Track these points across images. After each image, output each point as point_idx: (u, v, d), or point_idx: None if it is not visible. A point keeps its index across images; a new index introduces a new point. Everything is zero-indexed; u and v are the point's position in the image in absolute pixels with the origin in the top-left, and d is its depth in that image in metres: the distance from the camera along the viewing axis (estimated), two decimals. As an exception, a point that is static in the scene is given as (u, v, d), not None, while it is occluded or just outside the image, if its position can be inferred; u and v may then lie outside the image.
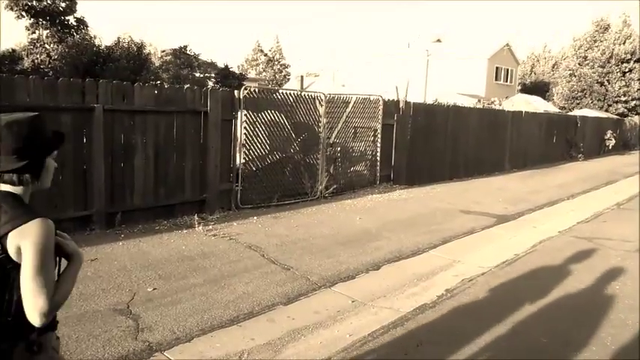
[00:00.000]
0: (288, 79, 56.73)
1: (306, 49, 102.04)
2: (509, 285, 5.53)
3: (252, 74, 62.51)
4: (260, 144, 8.57)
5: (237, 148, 8.21)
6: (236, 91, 8.15)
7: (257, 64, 67.24)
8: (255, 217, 7.84)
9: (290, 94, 9.29)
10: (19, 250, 1.63)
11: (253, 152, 8.47)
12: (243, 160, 8.31)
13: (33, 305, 1.59)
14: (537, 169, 17.18)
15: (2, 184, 1.76)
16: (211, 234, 6.79)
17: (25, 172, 1.75)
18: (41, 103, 5.79)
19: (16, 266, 1.64)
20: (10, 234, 1.63)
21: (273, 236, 6.86)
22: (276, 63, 67.79)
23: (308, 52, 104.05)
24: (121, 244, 6.14)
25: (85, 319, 4.13)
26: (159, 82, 16.31)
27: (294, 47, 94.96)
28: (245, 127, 8.24)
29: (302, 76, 47.40)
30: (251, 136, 8.38)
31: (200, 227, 7.00)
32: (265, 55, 67.40)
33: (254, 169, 8.52)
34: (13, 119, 1.74)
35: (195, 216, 7.15)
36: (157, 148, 7.09)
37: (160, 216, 7.13)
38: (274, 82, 60.66)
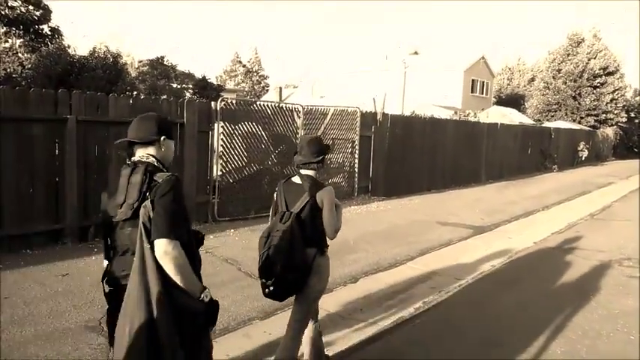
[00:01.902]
0: (267, 91, 56.74)
1: (285, 60, 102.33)
2: (485, 296, 5.55)
3: (230, 85, 62.34)
4: (237, 156, 8.50)
5: (215, 160, 8.14)
6: (213, 103, 8.09)
7: (235, 75, 67.07)
8: (232, 230, 7.75)
9: (267, 105, 9.25)
10: (321, 202, 3.18)
11: (230, 164, 8.40)
12: (220, 172, 8.24)
13: (331, 228, 3.21)
14: (513, 180, 17.43)
15: (307, 171, 3.31)
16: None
17: (319, 163, 3.31)
18: (12, 114, 5.66)
19: (319, 209, 3.19)
20: (317, 194, 3.18)
21: (250, 249, 6.77)
22: (255, 74, 67.72)
23: (287, 64, 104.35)
24: (93, 258, 6.00)
25: (55, 337, 4.01)
26: (135, 92, 16.14)
27: (273, 58, 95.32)
28: (222, 139, 8.18)
29: (280, 88, 47.14)
30: (228, 148, 8.31)
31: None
32: (244, 66, 67.31)
33: (231, 181, 8.45)
34: (312, 137, 3.41)
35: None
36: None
37: (134, 229, 7.00)
38: (253, 93, 60.56)
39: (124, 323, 2.06)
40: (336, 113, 10.55)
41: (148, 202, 2.12)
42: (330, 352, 3.97)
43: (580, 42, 37.30)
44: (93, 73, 15.73)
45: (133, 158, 2.35)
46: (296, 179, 3.33)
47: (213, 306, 2.27)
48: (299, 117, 9.56)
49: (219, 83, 21.33)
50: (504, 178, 17.52)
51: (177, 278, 2.09)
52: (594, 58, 35.67)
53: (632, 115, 39.39)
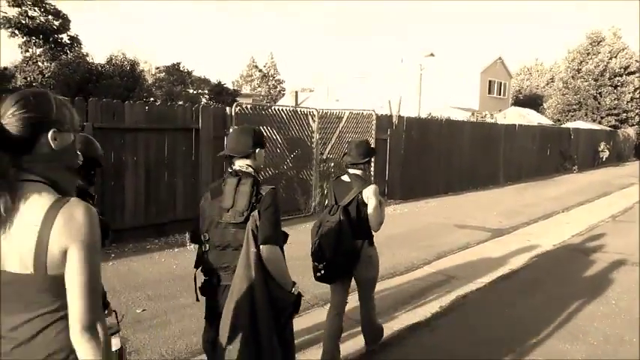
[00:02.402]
0: (283, 95, 56.89)
1: (301, 64, 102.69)
2: (503, 300, 5.46)
3: (247, 90, 62.71)
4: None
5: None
6: (228, 108, 8.13)
7: (252, 80, 67.49)
8: (247, 235, 7.76)
9: (282, 110, 9.27)
10: (367, 198, 3.62)
11: (246, 169, 8.41)
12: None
13: (375, 221, 3.61)
14: (532, 181, 17.21)
15: (355, 170, 3.76)
16: (203, 252, 6.71)
17: (365, 164, 3.80)
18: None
19: (365, 204, 3.63)
20: (363, 190, 3.64)
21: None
22: (271, 79, 68.06)
23: (303, 68, 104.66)
24: (110, 264, 6.05)
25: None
26: (152, 99, 16.31)
27: (289, 62, 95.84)
28: (237, 144, 8.19)
29: (296, 92, 47.38)
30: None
31: (192, 246, 6.91)
32: (260, 70, 67.70)
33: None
34: (360, 141, 3.93)
35: (187, 235, 7.05)
36: (147, 166, 7.04)
37: (151, 235, 7.06)
38: (269, 97, 60.84)
39: (229, 306, 2.46)
40: (351, 117, 10.52)
41: (255, 213, 2.51)
42: (344, 356, 3.94)
43: (600, 41, 36.75)
44: (110, 80, 15.94)
45: (233, 167, 2.68)
46: (345, 177, 3.83)
47: (299, 298, 2.66)
48: (314, 121, 9.55)
49: (235, 88, 21.41)
50: (523, 179, 17.30)
51: (275, 275, 2.50)
52: (615, 57, 35.12)
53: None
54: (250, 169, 2.65)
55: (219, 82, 19.08)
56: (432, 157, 12.87)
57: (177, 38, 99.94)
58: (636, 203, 13.16)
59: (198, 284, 2.73)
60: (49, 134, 1.46)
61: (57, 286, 1.41)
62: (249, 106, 8.73)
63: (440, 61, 40.93)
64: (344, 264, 3.64)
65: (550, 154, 20.34)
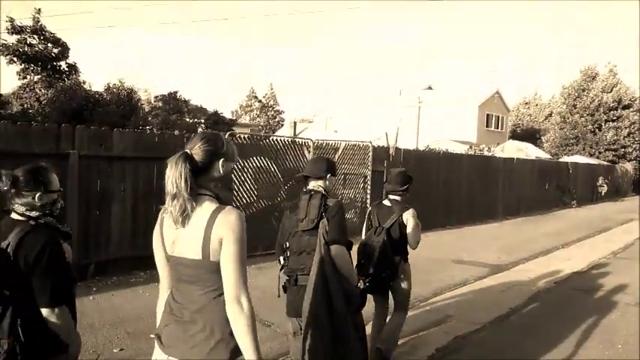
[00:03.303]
0: (282, 125, 57.12)
1: (301, 95, 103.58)
2: (504, 344, 5.17)
3: (246, 120, 62.96)
4: (245, 191, 8.32)
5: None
6: (221, 138, 7.96)
7: (251, 110, 67.84)
8: (238, 268, 7.49)
9: (277, 140, 9.12)
10: (407, 220, 4.11)
11: (239, 200, 8.21)
12: (227, 208, 8.04)
13: (414, 240, 4.18)
14: (531, 216, 16.99)
15: (395, 196, 4.27)
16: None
17: (404, 191, 4.24)
18: (12, 148, 5.55)
19: (404, 226, 4.13)
20: (403, 214, 4.13)
21: (255, 289, 6.45)
22: (270, 109, 68.44)
23: (303, 99, 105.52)
24: (91, 298, 5.78)
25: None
26: (148, 127, 16.21)
27: (288, 93, 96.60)
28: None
29: (295, 122, 47.46)
30: (236, 183, 8.14)
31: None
32: (259, 101, 68.14)
33: (238, 217, 8.24)
34: (400, 171, 4.40)
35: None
36: (135, 196, 6.83)
37: (137, 267, 6.79)
38: (268, 127, 61.03)
39: (308, 300, 2.95)
40: (347, 148, 10.37)
41: (324, 220, 3.04)
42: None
43: (594, 76, 37.11)
44: (107, 108, 15.85)
45: (308, 187, 3.30)
46: (386, 202, 4.38)
47: (364, 292, 3.36)
48: (309, 152, 9.39)
49: (231, 117, 21.33)
50: (522, 213, 17.08)
51: (343, 271, 3.03)
52: (609, 92, 35.41)
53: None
54: (321, 189, 3.26)
55: (216, 111, 18.99)
56: (430, 189, 12.68)
57: (177, 68, 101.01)
58: (636, 239, 12.93)
59: (282, 283, 3.32)
60: (220, 162, 2.03)
61: (218, 269, 1.91)
62: (243, 136, 8.58)
63: (438, 94, 41.25)
64: (385, 278, 4.09)
65: (549, 188, 20.19)
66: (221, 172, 2.04)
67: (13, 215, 2.26)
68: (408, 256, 4.32)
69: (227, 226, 1.89)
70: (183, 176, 1.90)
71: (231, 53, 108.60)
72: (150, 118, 15.87)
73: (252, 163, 8.41)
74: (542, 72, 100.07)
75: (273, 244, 8.26)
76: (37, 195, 2.26)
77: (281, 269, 3.34)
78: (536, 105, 50.90)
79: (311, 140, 9.62)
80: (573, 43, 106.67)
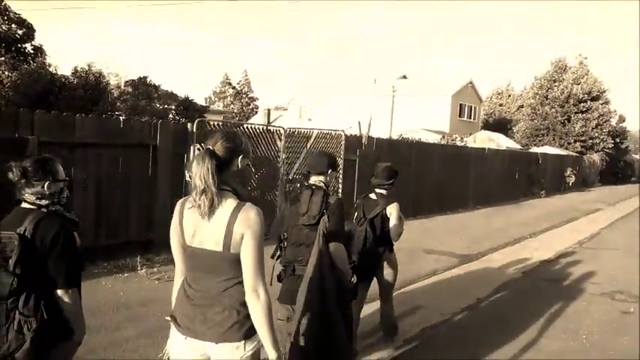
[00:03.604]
0: (256, 112, 56.56)
1: (276, 83, 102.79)
2: (471, 334, 5.18)
3: (219, 107, 62.08)
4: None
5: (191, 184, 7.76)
6: (189, 124, 7.76)
7: (225, 97, 67.02)
8: (206, 258, 7.35)
9: (248, 127, 8.95)
10: (390, 213, 4.36)
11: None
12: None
13: (395, 232, 4.41)
14: (500, 205, 17.19)
15: (381, 190, 4.52)
16: (155, 277, 6.28)
17: (390, 185, 4.51)
18: (-35, 134, 5.28)
19: (388, 219, 4.38)
20: (387, 207, 4.36)
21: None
22: (244, 96, 67.71)
23: (278, 87, 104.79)
24: (51, 290, 5.56)
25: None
26: (117, 113, 15.78)
27: (263, 80, 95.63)
28: (198, 162, 7.81)
29: (269, 110, 46.98)
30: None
31: (143, 270, 6.47)
32: (233, 88, 67.32)
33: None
34: (386, 165, 4.69)
35: (138, 258, 6.61)
36: (98, 184, 6.60)
37: (100, 258, 6.57)
38: (242, 115, 60.40)
39: (303, 289, 3.06)
40: (319, 136, 10.26)
41: (325, 217, 3.14)
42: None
43: (565, 68, 37.70)
44: (74, 92, 15.37)
45: (309, 182, 3.40)
46: (372, 195, 4.58)
47: (356, 286, 3.65)
48: (280, 140, 9.24)
49: (203, 104, 20.82)
50: (492, 203, 17.25)
51: (339, 266, 3.16)
52: (578, 84, 36.04)
53: (618, 141, 39.62)
54: (322, 184, 3.36)
55: (187, 97, 18.57)
56: (402, 179, 12.58)
57: (151, 54, 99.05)
58: (602, 229, 13.21)
59: (276, 272, 3.40)
60: (239, 159, 2.18)
61: (236, 261, 2.07)
62: (213, 123, 8.38)
63: (412, 83, 41.36)
64: (368, 267, 4.29)
65: (519, 178, 20.46)
66: (239, 167, 2.20)
67: (24, 204, 2.39)
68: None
69: (248, 222, 2.06)
70: (210, 172, 2.04)
71: (207, 40, 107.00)
72: (119, 104, 15.44)
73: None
74: (515, 63, 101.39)
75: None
76: (46, 184, 2.38)
77: (277, 259, 3.42)
78: (509, 96, 51.50)
79: (282, 128, 9.47)
80: (547, 37, 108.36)
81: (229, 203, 2.07)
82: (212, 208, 2.05)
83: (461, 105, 39.07)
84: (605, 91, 36.88)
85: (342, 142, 10.74)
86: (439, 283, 7.11)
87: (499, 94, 52.17)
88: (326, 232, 3.09)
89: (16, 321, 2.11)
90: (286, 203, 3.57)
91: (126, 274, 6.34)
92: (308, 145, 9.98)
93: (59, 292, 2.28)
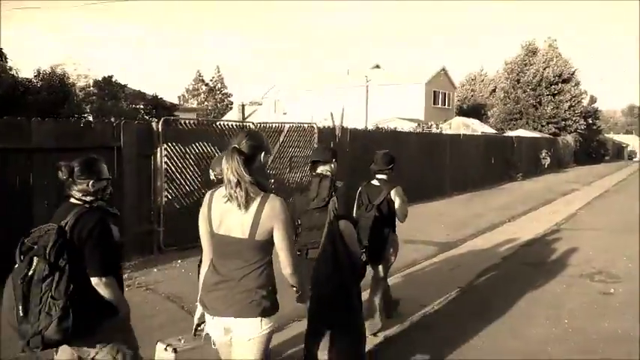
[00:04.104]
0: (231, 108, 55.96)
1: (250, 78, 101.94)
2: (451, 324, 5.05)
3: (194, 104, 61.21)
4: (185, 180, 7.87)
5: (160, 186, 7.49)
6: (154, 124, 7.48)
7: (198, 94, 66.23)
8: (179, 261, 7.10)
9: (216, 124, 8.70)
10: (394, 196, 4.67)
11: (177, 189, 7.76)
12: (165, 199, 7.59)
13: (402, 214, 4.77)
14: (478, 191, 17.21)
15: (382, 175, 4.78)
16: (125, 284, 6.00)
17: (389, 170, 4.77)
18: None
19: (392, 202, 4.68)
20: (391, 191, 4.65)
21: (197, 283, 6.14)
22: (218, 92, 66.99)
23: (252, 82, 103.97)
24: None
25: None
26: (84, 115, 15.31)
27: (236, 76, 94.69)
28: (166, 163, 7.55)
29: (243, 105, 46.65)
30: (174, 172, 7.68)
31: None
32: (206, 84, 66.55)
33: (178, 207, 7.80)
34: (384, 152, 4.91)
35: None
36: (60, 190, 6.27)
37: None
38: (216, 111, 59.74)
39: (318, 267, 3.35)
40: (291, 130, 10.04)
41: (334, 198, 3.41)
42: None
43: (535, 51, 38.02)
44: (37, 95, 14.84)
45: (317, 171, 3.77)
46: (374, 182, 4.83)
47: (365, 263, 3.93)
48: (251, 135, 9.00)
49: (172, 102, 20.30)
50: (469, 189, 17.25)
51: (350, 243, 3.38)
52: (548, 67, 36.39)
53: (590, 121, 40.22)
54: (329, 173, 3.72)
55: (156, 96, 18.07)
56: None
57: (121, 54, 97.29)
58: (579, 210, 13.30)
59: None
60: (261, 155, 2.40)
61: (259, 247, 2.33)
62: (180, 121, 8.11)
63: (386, 72, 41.32)
64: (378, 248, 4.60)
65: (495, 162, 20.53)
66: (261, 162, 2.43)
67: (72, 200, 2.68)
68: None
69: (275, 212, 2.32)
70: (241, 166, 2.27)
71: (178, 38, 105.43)
72: (85, 105, 14.96)
73: (189, 150, 7.94)
74: (485, 48, 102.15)
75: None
76: (91, 182, 2.67)
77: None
78: (482, 81, 51.82)
79: (252, 123, 9.25)
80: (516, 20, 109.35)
81: (255, 194, 2.32)
82: (249, 197, 2.29)
83: (435, 92, 39.17)
84: (575, 72, 37.32)
85: (315, 135, 10.55)
86: (419, 273, 7.00)
87: (472, 79, 52.47)
88: (336, 211, 3.36)
89: (46, 303, 2.33)
90: (296, 193, 3.91)
91: (94, 283, 6.07)
92: (280, 140, 9.76)
93: (93, 279, 2.52)
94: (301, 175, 10.43)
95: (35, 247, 2.40)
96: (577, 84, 37.40)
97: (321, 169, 3.76)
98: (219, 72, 67.80)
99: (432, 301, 5.71)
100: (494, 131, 30.29)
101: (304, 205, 3.63)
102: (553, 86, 36.14)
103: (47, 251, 2.35)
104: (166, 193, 7.59)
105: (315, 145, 10.57)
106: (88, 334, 2.52)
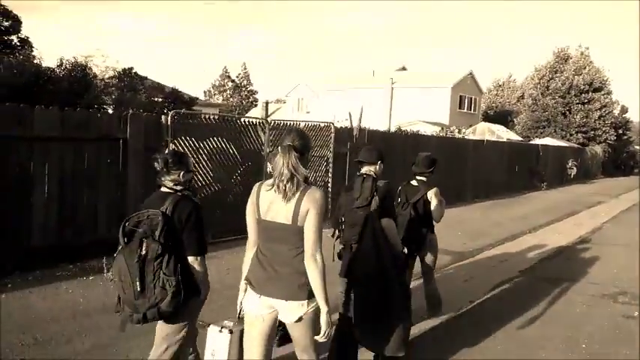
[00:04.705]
0: (256, 105, 56.05)
1: (276, 76, 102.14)
2: (460, 340, 4.72)
3: (219, 100, 61.45)
4: (194, 175, 7.68)
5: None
6: (163, 117, 7.27)
7: (224, 90, 66.60)
8: (181, 259, 6.89)
9: (228, 119, 8.48)
10: (431, 197, 4.95)
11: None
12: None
13: (437, 214, 4.97)
14: (500, 199, 16.70)
15: (422, 177, 5.07)
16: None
17: (430, 172, 5.11)
18: None
19: (429, 203, 4.95)
20: (428, 192, 4.95)
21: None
22: (244, 89, 67.23)
23: (278, 80, 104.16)
24: (3, 296, 5.12)
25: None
26: (104, 106, 15.30)
27: (263, 74, 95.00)
28: (175, 157, 7.35)
29: (266, 103, 46.47)
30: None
31: (110, 272, 5.99)
32: (232, 81, 66.86)
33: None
34: (426, 155, 5.33)
35: (104, 259, 6.14)
36: (62, 181, 6.13)
37: (65, 259, 6.12)
38: (241, 108, 59.97)
39: (363, 262, 3.54)
40: (306, 129, 9.77)
41: (376, 198, 3.62)
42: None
43: (566, 59, 37.04)
44: (58, 85, 14.88)
45: (361, 171, 3.90)
46: (413, 182, 5.07)
47: (407, 256, 4.25)
48: (264, 132, 8.76)
49: (192, 95, 20.13)
50: (491, 196, 16.76)
51: (391, 238, 3.60)
52: (579, 75, 35.40)
53: (620, 132, 39.00)
54: (372, 173, 3.86)
55: (174, 89, 17.98)
56: (396, 172, 12.15)
57: (151, 49, 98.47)
58: (604, 223, 12.74)
59: (336, 251, 3.96)
60: (308, 153, 2.71)
61: (302, 232, 2.58)
62: (189, 115, 7.93)
63: (411, 75, 40.78)
64: (412, 246, 4.70)
65: (519, 170, 19.95)
66: (308, 159, 2.74)
67: (163, 189, 2.97)
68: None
69: (313, 201, 2.54)
70: (296, 161, 2.54)
71: (207, 34, 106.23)
72: (104, 96, 14.94)
73: (199, 145, 7.75)
74: (516, 54, 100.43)
75: (225, 230, 7.64)
76: (182, 173, 2.95)
77: (336, 239, 3.97)
78: (510, 87, 50.79)
79: (266, 120, 9.00)
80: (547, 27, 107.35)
81: (293, 188, 2.55)
82: (297, 190, 2.54)
83: (461, 97, 38.48)
84: (607, 81, 36.23)
85: (332, 135, 10.26)
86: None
87: (500, 85, 51.49)
88: (378, 210, 3.62)
89: (160, 279, 2.62)
90: (342, 192, 4.08)
91: (91, 277, 5.89)
92: (295, 138, 9.49)
93: (190, 258, 2.83)
94: (316, 174, 10.17)
95: (138, 230, 2.67)
96: (608, 93, 36.30)
97: (365, 170, 3.92)
98: (245, 69, 68.08)
99: (443, 315, 5.37)
100: (520, 138, 29.54)
101: (349, 204, 3.84)
102: (583, 94, 35.14)
103: (158, 234, 2.62)
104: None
105: (332, 145, 10.30)
106: (180, 311, 2.74)
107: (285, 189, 2.52)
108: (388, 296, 3.45)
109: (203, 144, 7.81)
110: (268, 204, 2.61)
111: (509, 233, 10.55)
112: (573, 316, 5.55)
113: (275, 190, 2.56)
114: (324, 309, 2.57)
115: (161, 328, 2.91)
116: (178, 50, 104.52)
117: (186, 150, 7.50)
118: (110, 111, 13.27)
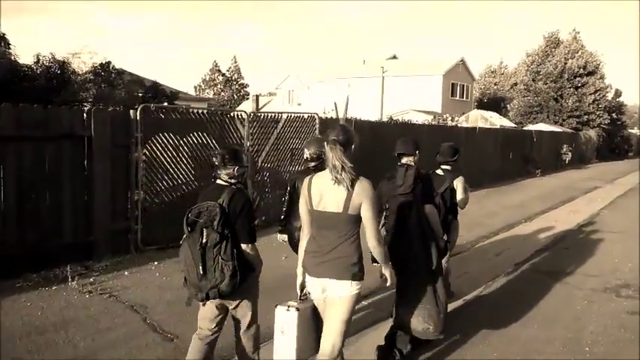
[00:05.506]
0: (247, 99, 55.52)
1: (265, 68, 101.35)
2: (459, 337, 4.33)
3: (210, 94, 60.74)
4: (167, 173, 7.24)
5: (138, 179, 6.85)
6: (132, 111, 6.81)
7: (215, 85, 65.88)
8: (155, 263, 6.46)
9: (203, 113, 8.01)
10: (456, 185, 5.18)
11: (158, 183, 7.12)
12: (144, 193, 6.94)
13: (463, 202, 5.31)
14: (494, 187, 16.31)
15: (446, 166, 5.38)
16: (87, 290, 5.37)
17: (454, 161, 5.42)
18: None
19: (454, 190, 5.16)
20: (454, 181, 5.18)
21: (168, 289, 5.49)
22: (234, 83, 66.52)
23: (269, 72, 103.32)
24: None
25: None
26: (83, 102, 14.75)
27: (254, 67, 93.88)
28: (146, 154, 6.90)
29: (257, 96, 46.17)
30: (154, 165, 7.05)
31: (75, 281, 5.56)
32: (223, 75, 66.12)
33: (159, 202, 7.16)
34: (450, 144, 5.59)
35: (68, 267, 5.69)
36: (20, 183, 5.68)
37: (27, 268, 5.66)
38: (233, 101, 59.37)
39: (411, 246, 3.84)
40: (289, 120, 9.32)
41: (420, 185, 3.94)
42: None
43: (557, 43, 36.63)
44: (35, 82, 14.33)
45: (402, 161, 4.15)
46: (439, 171, 5.25)
47: (447, 244, 4.64)
48: (243, 125, 8.31)
49: (173, 89, 19.47)
50: (485, 185, 16.33)
51: (434, 224, 3.97)
52: (572, 58, 35.01)
53: (614, 116, 38.67)
54: (412, 163, 4.07)
55: (155, 83, 17.42)
56: (386, 162, 11.75)
57: (138, 45, 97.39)
58: (602, 209, 12.39)
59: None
60: (352, 146, 2.91)
61: (351, 220, 2.85)
62: (160, 109, 7.48)
63: (402, 63, 40.30)
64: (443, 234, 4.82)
65: (513, 157, 19.56)
66: (351, 152, 2.89)
67: (219, 181, 3.17)
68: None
69: (365, 191, 2.81)
70: (343, 154, 2.79)
71: (196, 29, 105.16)
72: (82, 93, 14.41)
73: (173, 141, 7.31)
74: (507, 40, 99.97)
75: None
76: (236, 168, 3.16)
77: (381, 226, 3.81)
78: (502, 74, 50.33)
79: (245, 112, 8.55)
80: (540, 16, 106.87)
81: (348, 176, 2.78)
82: (352, 180, 2.78)
83: (453, 84, 38.08)
84: (600, 65, 35.87)
85: (316, 126, 9.82)
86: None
87: (492, 72, 51.03)
88: (420, 198, 3.87)
89: (219, 264, 2.94)
90: (384, 180, 4.16)
91: (54, 287, 5.43)
92: (277, 130, 9.06)
93: (244, 245, 3.06)
94: (300, 168, 9.72)
95: (199, 220, 2.95)
96: (602, 77, 35.94)
97: (405, 160, 4.11)
98: (235, 62, 67.32)
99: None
100: (513, 125, 29.16)
101: (391, 191, 3.99)
102: (577, 78, 34.76)
103: (216, 223, 2.90)
104: (146, 187, 6.94)
105: (315, 136, 9.86)
106: (238, 288, 3.00)
107: (341, 178, 2.76)
108: (433, 280, 3.75)
109: (177, 139, 7.37)
110: (320, 195, 2.85)
111: (505, 223, 10.17)
112: (573, 314, 5.16)
113: (332, 180, 2.80)
114: (387, 269, 3.10)
115: (210, 309, 3.22)
116: (166, 45, 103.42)
117: (158, 146, 7.07)
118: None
